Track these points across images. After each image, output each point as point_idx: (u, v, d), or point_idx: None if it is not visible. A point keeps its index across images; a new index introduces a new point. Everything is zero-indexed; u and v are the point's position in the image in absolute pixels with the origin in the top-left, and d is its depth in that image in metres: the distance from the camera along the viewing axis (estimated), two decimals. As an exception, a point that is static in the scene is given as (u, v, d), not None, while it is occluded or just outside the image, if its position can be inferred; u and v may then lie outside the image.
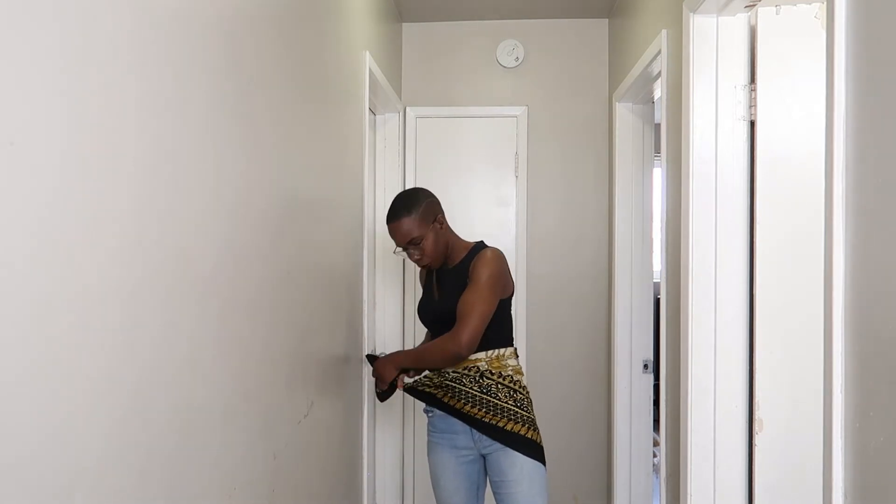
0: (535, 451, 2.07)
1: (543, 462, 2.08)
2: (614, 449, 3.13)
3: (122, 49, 0.86)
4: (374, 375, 2.16)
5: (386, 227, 2.08)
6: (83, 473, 0.79)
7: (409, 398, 3.33)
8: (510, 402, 2.07)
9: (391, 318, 3.30)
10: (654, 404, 3.04)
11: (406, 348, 3.29)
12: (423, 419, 3.36)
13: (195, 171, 1.06)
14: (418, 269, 2.39)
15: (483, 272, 1.98)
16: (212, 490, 1.14)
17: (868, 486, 1.04)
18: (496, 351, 2.08)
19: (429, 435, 2.26)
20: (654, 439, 3.24)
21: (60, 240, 0.74)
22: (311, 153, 1.74)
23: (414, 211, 2.03)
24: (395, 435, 3.34)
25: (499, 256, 2.05)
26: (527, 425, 2.07)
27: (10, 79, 0.66)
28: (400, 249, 2.10)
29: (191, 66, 1.05)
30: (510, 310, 2.15)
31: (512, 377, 2.10)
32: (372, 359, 2.25)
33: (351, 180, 2.22)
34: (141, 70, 0.90)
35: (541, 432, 2.11)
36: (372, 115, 3.12)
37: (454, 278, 2.11)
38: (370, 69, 2.46)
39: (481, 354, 2.08)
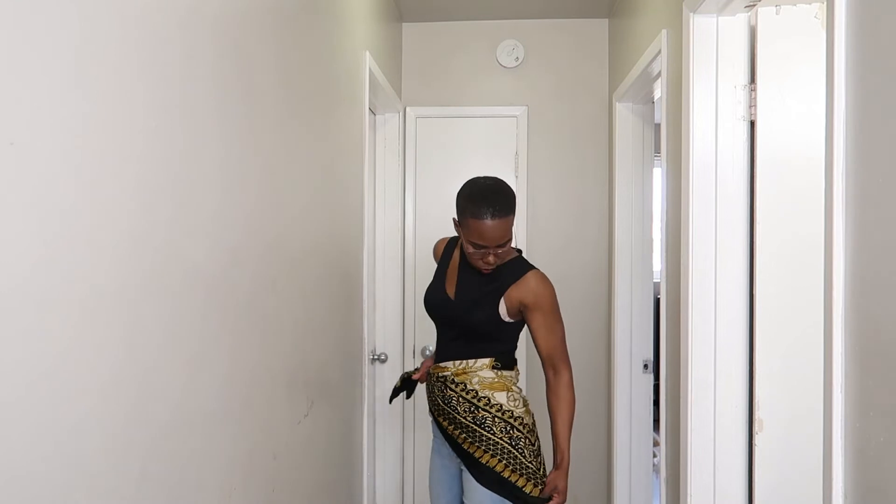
0: (489, 479, 1.88)
1: (505, 490, 1.87)
2: (614, 449, 3.13)
3: (124, 50, 0.86)
4: (558, 493, 1.89)
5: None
6: (83, 473, 0.79)
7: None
8: (468, 419, 1.90)
9: (391, 318, 3.30)
10: (654, 404, 3.04)
11: (423, 359, 3.27)
12: (422, 419, 3.37)
13: (198, 172, 1.06)
14: (433, 245, 2.23)
15: (548, 305, 1.91)
16: (212, 490, 1.14)
17: (868, 486, 1.04)
18: (464, 362, 1.94)
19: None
20: (654, 439, 3.24)
21: (63, 241, 0.74)
22: (311, 153, 1.74)
23: (511, 208, 1.82)
24: (395, 435, 3.34)
25: (549, 283, 1.94)
26: (483, 448, 1.88)
27: (11, 79, 0.66)
28: (469, 245, 1.84)
29: (194, 68, 1.05)
30: (522, 326, 2.00)
31: (476, 392, 1.91)
32: (408, 383, 2.13)
33: (351, 180, 2.22)
34: (144, 71, 0.90)
35: (516, 461, 1.88)
36: (372, 115, 3.12)
37: (483, 285, 1.92)
38: (370, 69, 2.46)
39: (448, 364, 1.97)
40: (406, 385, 2.15)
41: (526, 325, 1.98)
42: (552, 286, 1.95)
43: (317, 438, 1.80)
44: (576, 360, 3.34)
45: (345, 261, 2.16)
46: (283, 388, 1.52)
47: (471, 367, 1.94)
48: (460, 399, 1.93)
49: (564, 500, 1.92)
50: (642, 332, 3.12)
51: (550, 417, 1.93)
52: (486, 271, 1.90)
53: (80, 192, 0.77)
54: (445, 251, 2.12)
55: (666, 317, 2.24)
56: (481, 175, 1.96)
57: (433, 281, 2.09)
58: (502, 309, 1.92)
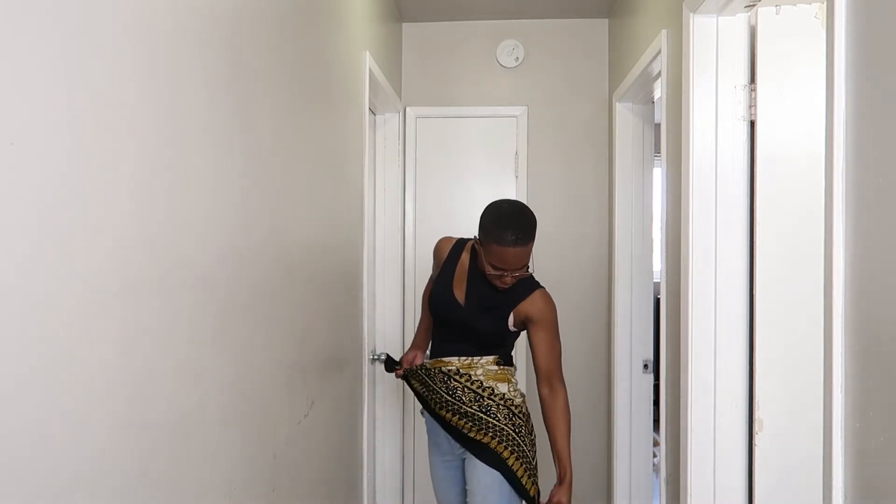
0: (495, 461, 1.96)
1: (512, 480, 1.96)
2: (614, 449, 3.13)
3: (122, 49, 0.86)
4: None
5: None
6: (83, 473, 0.79)
7: (410, 396, 3.34)
8: (475, 408, 1.98)
9: (391, 317, 3.30)
10: (654, 404, 3.04)
11: (412, 343, 3.27)
12: (422, 418, 3.37)
13: (195, 172, 1.06)
14: (435, 242, 2.26)
15: (552, 320, 2.00)
16: (211, 490, 1.14)
17: (868, 486, 1.04)
18: (469, 358, 2.04)
19: (427, 436, 2.26)
20: (654, 439, 3.24)
21: (60, 241, 0.74)
22: (310, 153, 1.74)
23: (532, 234, 1.87)
24: (395, 435, 3.34)
25: (552, 301, 2.03)
26: (490, 435, 1.97)
27: (10, 79, 0.66)
28: (487, 265, 1.90)
29: (191, 67, 1.05)
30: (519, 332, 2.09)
31: (482, 382, 2.00)
32: (392, 363, 2.22)
33: (351, 180, 2.22)
34: (141, 70, 0.90)
35: (519, 449, 1.97)
36: (372, 115, 3.12)
37: (494, 297, 1.98)
38: (370, 69, 2.46)
39: (453, 359, 2.04)
40: (390, 366, 2.24)
41: (527, 339, 2.06)
42: (555, 305, 2.04)
43: (317, 438, 1.80)
44: (576, 360, 3.38)
45: (345, 261, 2.16)
46: (284, 388, 1.52)
47: (476, 363, 2.04)
48: (465, 389, 2.01)
49: None
50: (642, 332, 3.12)
51: (550, 433, 1.99)
52: (501, 289, 1.97)
53: (78, 192, 0.77)
54: (453, 252, 2.13)
55: (666, 317, 2.24)
56: (504, 199, 2.01)
57: (440, 282, 2.11)
58: (510, 320, 2.01)
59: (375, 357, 2.97)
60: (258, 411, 1.36)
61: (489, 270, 1.90)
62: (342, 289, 2.12)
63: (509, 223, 1.84)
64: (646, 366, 3.11)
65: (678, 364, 1.98)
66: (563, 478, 1.96)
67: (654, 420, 3.06)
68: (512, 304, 1.99)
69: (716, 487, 1.87)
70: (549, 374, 2.00)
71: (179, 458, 1.02)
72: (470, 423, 1.99)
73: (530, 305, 1.98)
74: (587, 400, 3.37)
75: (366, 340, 2.44)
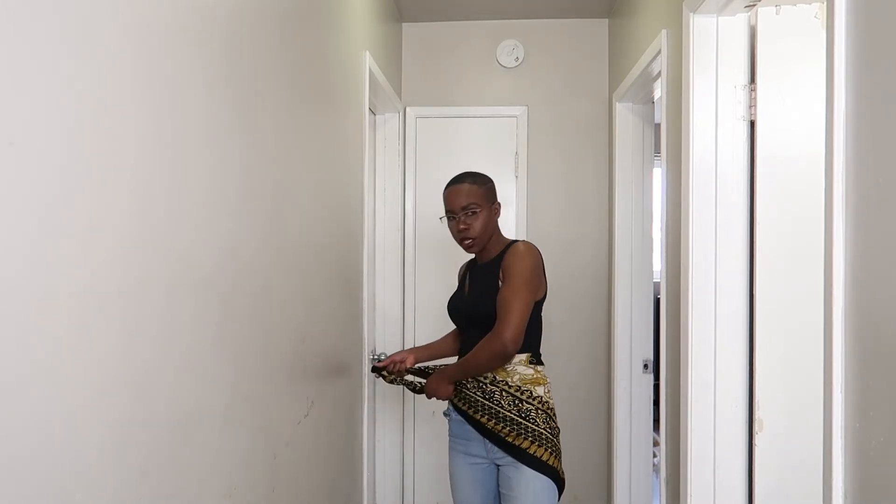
0: (540, 467, 1.94)
1: (555, 479, 1.95)
2: (614, 449, 3.13)
3: (122, 49, 0.86)
4: (429, 394, 2.09)
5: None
6: (83, 473, 0.79)
7: (409, 396, 3.34)
8: (513, 412, 1.96)
9: (391, 318, 3.30)
10: (654, 404, 3.04)
11: (413, 346, 3.27)
12: (423, 419, 3.37)
13: (195, 172, 1.06)
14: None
15: (516, 267, 1.94)
16: (211, 490, 1.14)
17: (868, 486, 1.04)
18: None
19: (449, 438, 2.21)
20: (654, 439, 3.24)
21: (60, 240, 0.74)
22: (310, 153, 1.74)
23: (479, 183, 2.07)
24: (395, 435, 3.34)
25: (531, 251, 1.99)
26: (529, 439, 1.94)
27: (9, 79, 0.66)
28: (445, 217, 2.10)
29: (191, 67, 1.05)
30: (539, 314, 2.03)
31: (519, 386, 1.98)
32: (378, 370, 2.26)
33: (351, 180, 2.22)
34: (141, 70, 0.90)
35: (556, 448, 1.97)
36: (372, 115, 3.12)
37: (485, 274, 2.07)
38: (370, 69, 2.46)
39: None
40: (378, 372, 2.30)
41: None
42: (533, 256, 2.00)
43: (317, 438, 1.80)
44: (576, 360, 3.38)
45: (344, 260, 2.16)
46: (284, 388, 1.52)
47: (510, 364, 2.00)
48: (504, 393, 1.99)
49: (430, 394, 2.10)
50: (642, 332, 3.12)
51: (470, 354, 1.99)
52: (467, 246, 2.07)
53: (78, 192, 0.77)
54: (463, 267, 2.32)
55: (666, 317, 2.24)
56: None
57: (456, 291, 2.26)
58: (500, 284, 2.01)
59: (375, 357, 2.98)
60: (258, 411, 1.36)
61: (449, 224, 2.09)
62: (342, 289, 2.12)
63: (457, 174, 2.11)
64: (646, 366, 3.11)
65: (678, 364, 1.98)
66: (445, 368, 2.09)
67: (654, 420, 3.06)
68: (499, 266, 2.02)
69: (716, 487, 1.87)
70: (498, 321, 1.89)
71: (179, 458, 1.02)
72: (508, 428, 1.96)
73: (508, 255, 2.00)
74: (587, 400, 3.38)
75: (366, 340, 2.44)
